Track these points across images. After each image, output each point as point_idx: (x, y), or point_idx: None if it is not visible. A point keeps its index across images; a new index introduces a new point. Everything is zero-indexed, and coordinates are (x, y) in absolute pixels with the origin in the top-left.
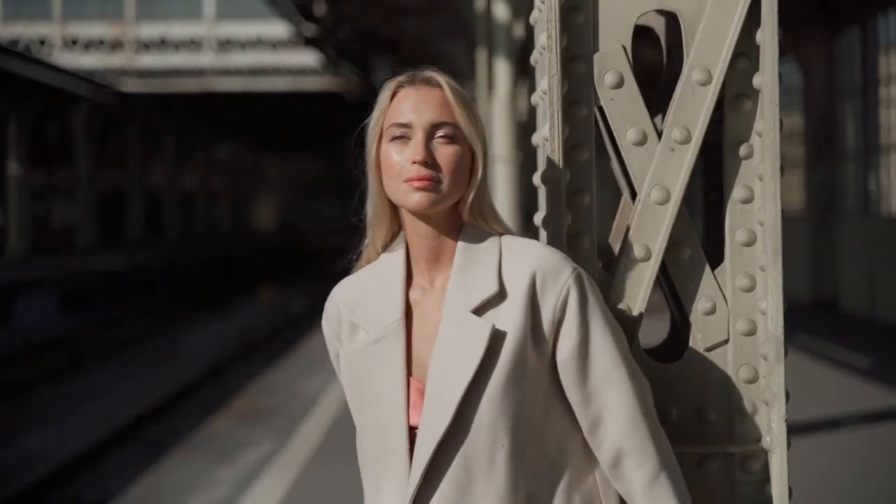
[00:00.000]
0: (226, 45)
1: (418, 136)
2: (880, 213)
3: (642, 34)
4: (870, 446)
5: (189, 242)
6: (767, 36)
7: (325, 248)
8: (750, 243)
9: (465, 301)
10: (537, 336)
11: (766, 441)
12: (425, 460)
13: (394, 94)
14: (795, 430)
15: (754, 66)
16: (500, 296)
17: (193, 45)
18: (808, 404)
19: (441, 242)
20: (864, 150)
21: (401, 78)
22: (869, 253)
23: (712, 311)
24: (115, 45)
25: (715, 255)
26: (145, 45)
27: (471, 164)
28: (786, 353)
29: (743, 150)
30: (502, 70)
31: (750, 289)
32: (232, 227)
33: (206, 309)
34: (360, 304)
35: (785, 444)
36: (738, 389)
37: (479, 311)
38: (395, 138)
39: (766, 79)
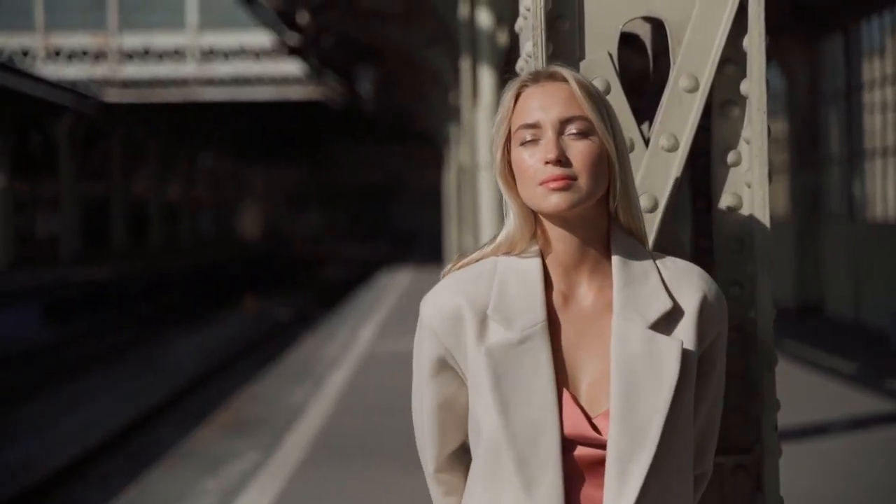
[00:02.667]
0: (209, 54)
1: (548, 135)
2: (865, 218)
3: (628, 41)
4: (857, 452)
5: (173, 252)
6: (754, 42)
7: (308, 256)
8: (738, 251)
9: (639, 317)
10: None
11: (757, 450)
12: (636, 488)
13: (517, 96)
14: (782, 436)
15: (741, 73)
16: (675, 312)
17: (177, 54)
18: (793, 410)
19: (583, 248)
20: (849, 154)
21: (523, 77)
22: (854, 257)
23: None
24: (99, 56)
25: (703, 263)
26: (128, 56)
27: (608, 159)
28: (776, 361)
29: (731, 157)
30: (486, 78)
31: (738, 297)
32: (216, 237)
33: (191, 318)
34: (495, 298)
35: (777, 453)
36: (729, 399)
37: (656, 327)
38: (525, 141)
39: (754, 85)
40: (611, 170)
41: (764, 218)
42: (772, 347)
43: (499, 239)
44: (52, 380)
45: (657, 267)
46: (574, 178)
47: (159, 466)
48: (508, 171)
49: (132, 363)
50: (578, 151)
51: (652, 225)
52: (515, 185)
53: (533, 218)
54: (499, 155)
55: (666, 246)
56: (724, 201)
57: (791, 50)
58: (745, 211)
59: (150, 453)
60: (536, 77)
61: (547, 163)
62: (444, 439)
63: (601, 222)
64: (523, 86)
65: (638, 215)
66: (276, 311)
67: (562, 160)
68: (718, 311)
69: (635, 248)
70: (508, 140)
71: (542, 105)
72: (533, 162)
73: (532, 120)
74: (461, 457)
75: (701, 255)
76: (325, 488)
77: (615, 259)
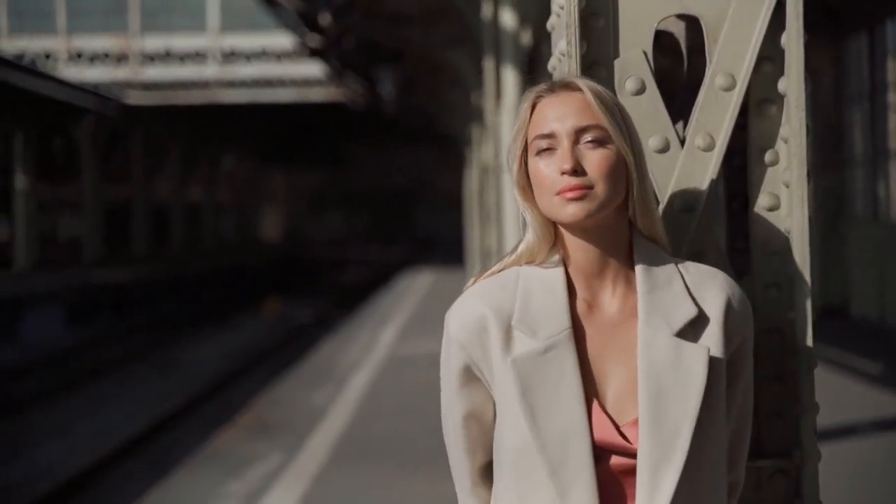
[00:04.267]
0: (230, 56)
1: (564, 145)
2: (890, 219)
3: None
4: (887, 453)
5: (195, 254)
6: (793, 39)
7: (329, 259)
8: (776, 252)
9: (665, 324)
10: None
11: (797, 454)
12: (668, 497)
13: (533, 107)
14: None
15: (779, 71)
16: (700, 319)
17: (198, 57)
18: (820, 412)
19: (605, 256)
20: (873, 155)
21: (539, 88)
22: (879, 258)
23: None
24: (120, 58)
25: (739, 264)
26: (150, 58)
27: (625, 167)
28: (815, 364)
29: (768, 156)
30: (510, 78)
31: (777, 299)
32: (238, 239)
33: (212, 321)
34: (519, 309)
35: (816, 458)
36: (767, 402)
37: (682, 334)
38: (541, 150)
39: (792, 83)
40: (628, 177)
41: (802, 218)
42: (811, 350)
43: (519, 249)
44: (73, 382)
45: (680, 273)
46: (590, 188)
47: (182, 469)
48: (526, 181)
49: (153, 366)
50: (594, 160)
51: (688, 226)
52: (533, 195)
53: (552, 227)
54: (516, 166)
55: (702, 248)
56: (762, 201)
57: (814, 50)
58: (782, 211)
59: (173, 456)
60: (552, 87)
61: (563, 173)
62: (476, 452)
63: (621, 230)
64: (539, 96)
65: (657, 220)
66: (297, 313)
67: (577, 170)
68: (743, 317)
69: (658, 254)
70: (525, 151)
71: (557, 115)
72: (549, 172)
73: (547, 130)
74: (491, 473)
75: (737, 257)
76: (348, 490)
77: (638, 266)
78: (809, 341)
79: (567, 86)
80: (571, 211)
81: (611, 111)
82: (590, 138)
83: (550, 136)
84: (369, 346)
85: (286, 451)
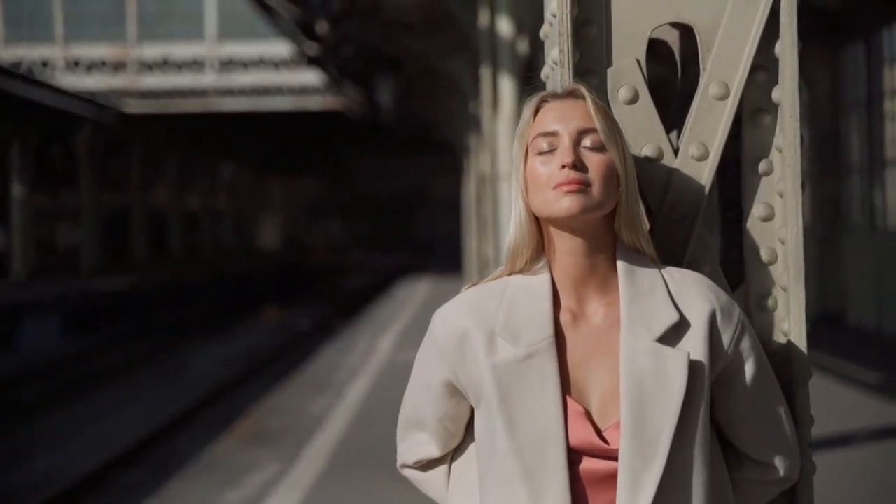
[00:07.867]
0: (228, 65)
1: (565, 142)
2: (887, 227)
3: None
4: (883, 462)
5: (193, 262)
6: (787, 48)
7: (328, 266)
8: (771, 262)
9: (646, 330)
10: (713, 368)
11: None
12: (648, 500)
13: (537, 110)
14: None
15: (773, 80)
16: (682, 325)
17: (196, 65)
18: (815, 421)
19: (592, 262)
20: (870, 163)
21: (544, 93)
22: (876, 266)
23: None
24: (118, 67)
25: (733, 274)
26: (147, 66)
27: (618, 178)
28: (810, 375)
29: (762, 166)
30: (507, 87)
31: (771, 309)
32: (236, 247)
33: (211, 329)
34: (503, 316)
35: (811, 470)
36: None
37: (663, 340)
38: (541, 152)
39: (786, 92)
40: (618, 187)
41: (797, 228)
42: (805, 361)
43: (504, 255)
44: (72, 391)
45: (664, 279)
46: (588, 184)
47: (180, 477)
48: (525, 181)
49: (152, 374)
50: (594, 161)
51: (682, 236)
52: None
53: (536, 232)
54: (522, 167)
55: (696, 258)
56: (756, 211)
57: (811, 58)
58: (777, 221)
59: (172, 464)
60: (556, 94)
61: (563, 166)
62: (440, 445)
63: (607, 237)
64: (543, 100)
65: (643, 232)
66: (296, 321)
67: (577, 165)
68: (729, 320)
69: (641, 262)
70: (526, 152)
71: (560, 117)
72: (546, 169)
73: (550, 129)
74: (439, 462)
75: (731, 267)
76: (345, 499)
77: (622, 275)
78: (804, 353)
79: (572, 93)
80: (567, 204)
81: (609, 124)
82: (589, 142)
83: (552, 134)
84: (368, 353)
85: (284, 459)
